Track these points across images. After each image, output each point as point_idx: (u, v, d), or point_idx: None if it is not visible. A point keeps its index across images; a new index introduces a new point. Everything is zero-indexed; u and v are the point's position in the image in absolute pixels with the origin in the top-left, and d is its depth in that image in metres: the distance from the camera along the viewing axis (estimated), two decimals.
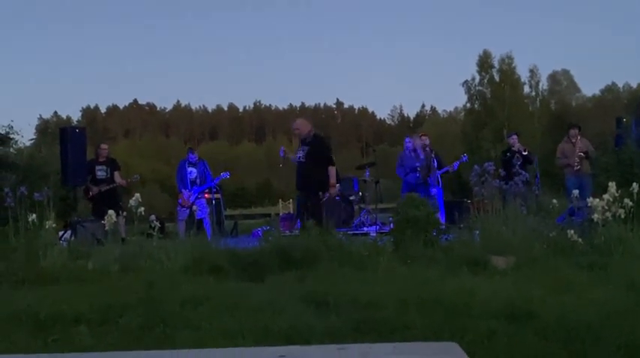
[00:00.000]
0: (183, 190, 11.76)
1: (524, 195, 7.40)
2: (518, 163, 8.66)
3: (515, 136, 12.34)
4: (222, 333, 3.46)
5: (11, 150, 16.49)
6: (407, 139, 11.61)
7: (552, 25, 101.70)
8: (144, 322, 3.78)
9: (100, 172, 11.37)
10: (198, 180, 11.85)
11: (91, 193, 11.25)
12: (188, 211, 11.47)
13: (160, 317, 3.84)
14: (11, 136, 16.53)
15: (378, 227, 10.94)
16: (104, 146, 11.94)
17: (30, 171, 13.98)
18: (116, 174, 11.44)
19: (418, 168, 10.87)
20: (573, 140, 11.49)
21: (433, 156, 11.62)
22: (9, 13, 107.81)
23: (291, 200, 20.32)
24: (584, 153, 11.24)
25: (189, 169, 11.90)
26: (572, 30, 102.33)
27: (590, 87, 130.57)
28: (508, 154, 11.59)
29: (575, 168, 11.17)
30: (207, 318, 3.82)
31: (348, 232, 9.45)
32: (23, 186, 6.84)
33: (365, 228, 11.73)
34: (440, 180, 11.61)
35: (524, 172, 7.65)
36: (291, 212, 17.30)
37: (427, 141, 11.74)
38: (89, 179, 11.25)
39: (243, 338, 3.36)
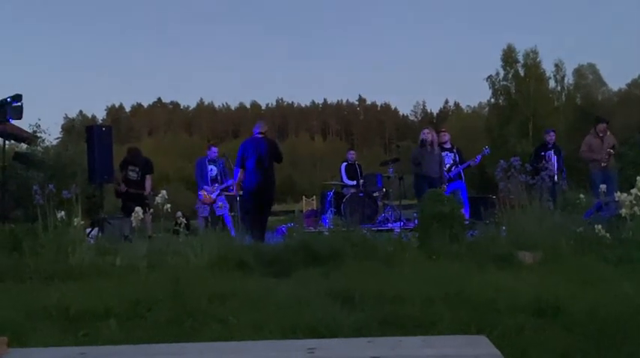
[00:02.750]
0: (205, 187, 11.66)
1: (551, 191, 7.34)
2: (554, 159, 8.55)
3: (552, 133, 12.05)
4: (250, 328, 3.49)
5: (39, 148, 16.69)
6: (424, 131, 11.18)
7: (578, 19, 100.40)
8: (172, 316, 3.82)
9: (132, 173, 11.44)
10: (219, 178, 11.72)
11: (120, 190, 11.35)
12: (209, 208, 11.46)
13: (187, 311, 3.88)
14: (38, 135, 16.76)
15: (402, 223, 10.93)
16: (134, 150, 12.05)
17: (57, 169, 14.12)
18: (147, 178, 11.49)
19: (430, 162, 10.68)
20: (601, 135, 11.28)
21: (455, 151, 11.54)
22: (34, 14, 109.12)
23: (314, 196, 20.35)
24: (611, 149, 11.07)
25: (210, 167, 11.77)
26: (598, 23, 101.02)
27: (616, 81, 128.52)
28: (544, 153, 11.38)
29: (603, 164, 11.00)
30: (234, 313, 3.85)
31: (372, 228, 9.45)
32: (51, 184, 6.93)
33: (389, 224, 11.73)
34: (462, 174, 11.51)
35: (564, 169, 7.57)
36: (315, 208, 17.33)
37: (447, 138, 11.61)
38: (122, 176, 11.36)
39: (271, 332, 3.39)
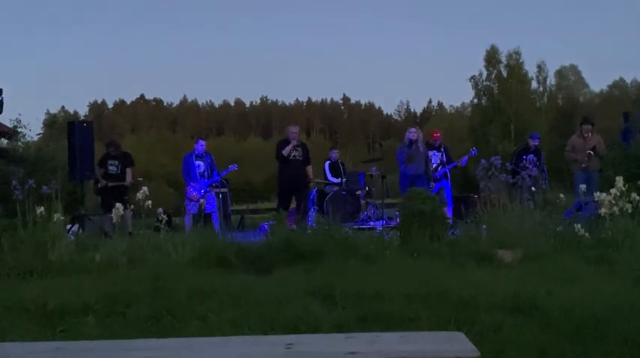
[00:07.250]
0: (192, 184, 11.35)
1: (531, 190, 7.39)
2: (538, 162, 8.62)
3: (537, 139, 12.09)
4: (230, 324, 3.48)
5: (19, 143, 16.56)
6: (412, 130, 11.45)
7: (560, 20, 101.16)
8: (151, 313, 3.81)
9: (112, 167, 11.31)
10: (206, 173, 11.42)
11: (99, 185, 11.25)
12: (197, 205, 11.24)
13: (167, 308, 3.86)
14: (19, 130, 16.62)
15: (384, 221, 10.94)
16: (114, 143, 11.95)
17: (38, 165, 14.02)
18: (128, 171, 11.36)
19: (415, 160, 10.87)
20: (585, 135, 11.32)
21: (442, 150, 11.64)
22: (17, 9, 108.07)
23: None
24: (592, 150, 11.11)
25: (197, 163, 11.45)
26: (580, 25, 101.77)
27: (598, 82, 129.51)
28: (531, 156, 11.47)
29: (583, 165, 11.05)
30: (214, 310, 3.84)
31: (354, 226, 9.46)
32: (31, 180, 6.86)
33: (371, 223, 11.74)
34: (449, 174, 11.61)
35: (544, 169, 7.61)
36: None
37: (438, 136, 11.85)
38: (102, 173, 11.25)
39: (250, 329, 3.38)
